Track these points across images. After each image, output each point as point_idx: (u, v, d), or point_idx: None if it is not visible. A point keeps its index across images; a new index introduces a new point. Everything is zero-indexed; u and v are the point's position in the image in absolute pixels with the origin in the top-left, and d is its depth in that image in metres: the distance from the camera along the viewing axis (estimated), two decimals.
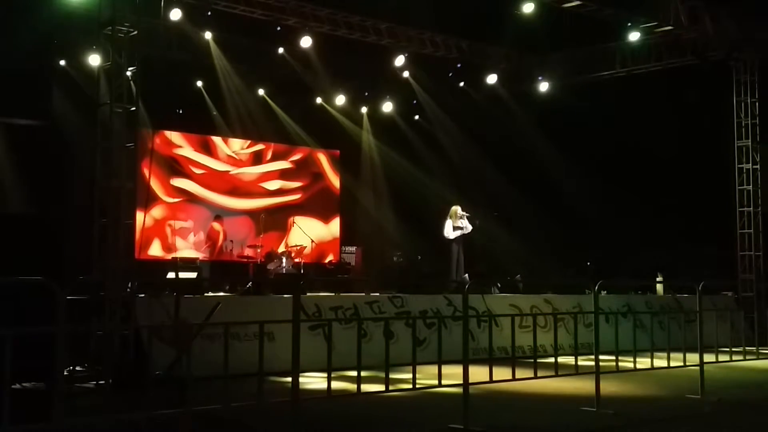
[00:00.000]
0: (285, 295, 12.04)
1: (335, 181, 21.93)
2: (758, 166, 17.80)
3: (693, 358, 9.78)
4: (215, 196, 19.70)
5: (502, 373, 8.14)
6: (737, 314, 14.71)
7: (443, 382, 7.70)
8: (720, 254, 18.06)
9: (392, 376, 7.35)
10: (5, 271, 7.97)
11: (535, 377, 8.38)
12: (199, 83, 18.97)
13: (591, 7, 15.55)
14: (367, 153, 22.35)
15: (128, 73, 11.33)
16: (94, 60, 14.61)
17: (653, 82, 18.98)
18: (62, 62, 16.33)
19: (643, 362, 9.47)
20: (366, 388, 7.61)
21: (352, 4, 17.09)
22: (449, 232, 16.47)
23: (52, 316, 5.52)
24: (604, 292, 14.33)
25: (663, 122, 19.24)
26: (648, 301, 16.10)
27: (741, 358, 10.80)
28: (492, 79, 20.50)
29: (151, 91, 13.12)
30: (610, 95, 19.24)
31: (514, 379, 8.17)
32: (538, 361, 8.30)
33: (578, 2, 15.32)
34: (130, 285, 10.90)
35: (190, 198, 19.31)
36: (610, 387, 9.34)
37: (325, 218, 21.53)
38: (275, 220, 20.05)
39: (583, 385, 9.31)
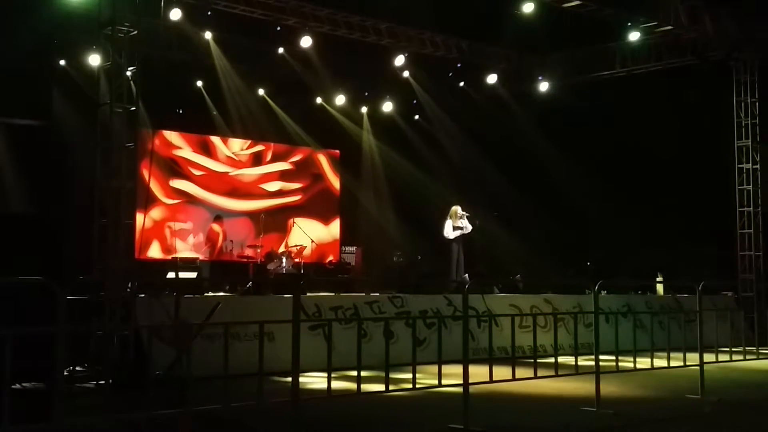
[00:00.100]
0: (285, 295, 12.04)
1: (335, 182, 21.92)
2: (758, 166, 17.80)
3: (693, 358, 9.78)
4: (215, 198, 19.68)
5: (502, 373, 8.14)
6: (737, 314, 14.69)
7: (443, 382, 7.70)
8: (720, 254, 18.07)
9: (392, 376, 7.35)
10: (5, 271, 7.97)
11: (535, 377, 8.38)
12: (199, 83, 18.97)
13: (591, 7, 15.55)
14: (367, 153, 22.34)
15: (128, 73, 11.34)
16: (94, 60, 14.62)
17: (653, 82, 18.98)
18: (62, 62, 16.32)
19: (643, 362, 9.47)
20: (366, 388, 7.62)
21: (352, 4, 17.09)
22: (449, 232, 16.46)
23: (52, 316, 5.52)
24: (604, 292, 14.33)
25: (663, 122, 19.24)
26: (648, 301, 16.09)
27: (741, 358, 10.78)
28: (492, 79, 20.50)
29: (151, 91, 13.13)
30: (610, 95, 19.24)
31: (514, 379, 8.16)
32: (538, 361, 8.30)
33: (578, 2, 15.32)
34: (130, 285, 10.90)
35: (189, 199, 19.28)
36: (610, 387, 9.33)
37: (325, 220, 21.52)
38: (275, 221, 20.03)
39: (583, 385, 9.31)
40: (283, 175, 20.94)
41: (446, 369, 7.66)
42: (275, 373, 7.33)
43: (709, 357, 9.95)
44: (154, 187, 18.33)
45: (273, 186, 20.77)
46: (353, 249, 19.96)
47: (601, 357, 8.88)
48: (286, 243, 19.58)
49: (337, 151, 22.01)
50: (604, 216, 19.25)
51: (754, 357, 11.26)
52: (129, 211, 11.31)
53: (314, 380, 9.28)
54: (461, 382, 7.67)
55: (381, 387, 7.40)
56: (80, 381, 9.72)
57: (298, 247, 18.05)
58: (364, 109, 21.86)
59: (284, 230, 20.22)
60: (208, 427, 7.07)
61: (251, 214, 19.90)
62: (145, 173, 16.96)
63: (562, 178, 20.01)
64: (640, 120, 19.41)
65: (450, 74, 20.99)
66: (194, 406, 6.27)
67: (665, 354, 9.61)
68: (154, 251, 18.43)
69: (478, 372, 7.94)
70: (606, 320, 10.51)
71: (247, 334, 9.93)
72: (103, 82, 11.51)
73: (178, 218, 18.97)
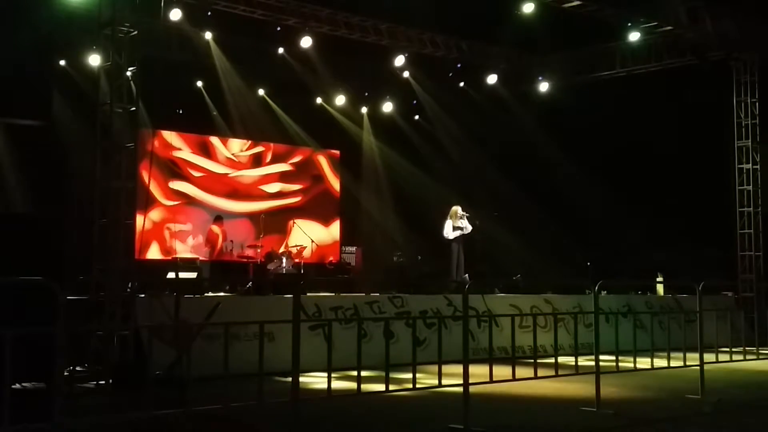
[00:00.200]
0: (285, 295, 12.04)
1: (335, 183, 21.91)
2: (758, 166, 17.82)
3: (693, 358, 9.78)
4: (214, 199, 19.66)
5: (502, 373, 8.14)
6: (737, 314, 14.68)
7: (443, 382, 7.70)
8: (720, 254, 18.06)
9: (392, 376, 7.35)
10: (5, 271, 7.96)
11: (535, 377, 8.38)
12: (199, 83, 18.97)
13: (591, 7, 15.55)
14: (368, 153, 22.34)
15: (128, 73, 11.35)
16: (94, 60, 14.61)
17: (653, 82, 18.97)
18: (62, 62, 16.32)
19: (644, 362, 9.46)
20: (366, 388, 7.62)
21: (352, 4, 17.09)
22: (449, 232, 16.47)
23: (52, 316, 5.51)
24: (604, 292, 14.33)
25: (663, 122, 19.24)
26: (648, 301, 16.09)
27: (741, 358, 10.78)
28: (492, 79, 20.49)
29: (151, 91, 13.14)
30: (610, 95, 19.23)
31: (514, 379, 8.16)
32: (538, 361, 8.29)
33: (578, 2, 15.32)
34: (130, 285, 10.91)
35: (188, 201, 19.26)
36: (610, 387, 9.33)
37: (325, 221, 21.51)
38: (275, 222, 20.00)
39: (583, 385, 9.30)
40: (283, 177, 20.92)
41: (446, 369, 7.66)
42: (275, 373, 7.33)
43: (709, 357, 9.95)
44: (154, 189, 18.30)
45: (273, 187, 20.76)
46: (353, 249, 19.94)
47: (601, 357, 8.88)
48: (286, 243, 19.56)
49: (338, 152, 22.00)
50: (605, 216, 19.24)
51: (754, 357, 11.23)
52: (129, 212, 11.31)
53: (314, 380, 9.28)
54: (461, 382, 7.67)
55: (381, 387, 7.40)
56: (80, 381, 9.74)
57: (298, 248, 18.03)
58: (364, 110, 21.86)
59: (284, 231, 20.19)
60: (208, 427, 7.07)
61: (251, 216, 19.88)
62: (145, 175, 16.94)
63: (562, 178, 20.02)
64: (640, 120, 19.40)
65: (450, 74, 20.99)
66: (194, 406, 6.26)
67: (665, 354, 9.61)
68: (154, 253, 18.40)
69: (478, 372, 7.93)
70: (606, 320, 10.53)
71: (247, 334, 9.92)
72: (103, 83, 11.52)
73: (177, 220, 18.94)
